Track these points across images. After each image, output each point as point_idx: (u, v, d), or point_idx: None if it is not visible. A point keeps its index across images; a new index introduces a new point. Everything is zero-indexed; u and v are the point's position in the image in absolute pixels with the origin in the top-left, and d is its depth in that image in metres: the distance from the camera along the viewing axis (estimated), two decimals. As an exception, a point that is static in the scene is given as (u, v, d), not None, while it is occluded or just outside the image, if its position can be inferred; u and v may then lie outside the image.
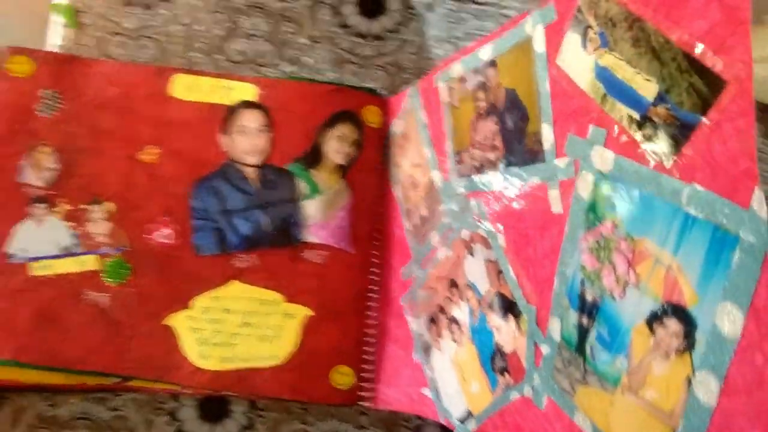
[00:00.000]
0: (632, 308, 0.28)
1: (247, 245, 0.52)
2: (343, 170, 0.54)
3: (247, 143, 0.53)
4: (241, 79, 0.54)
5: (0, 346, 0.48)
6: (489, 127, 0.40)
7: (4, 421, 0.50)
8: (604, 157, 0.30)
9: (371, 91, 0.57)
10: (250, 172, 0.53)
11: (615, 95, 0.30)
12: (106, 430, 0.51)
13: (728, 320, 0.23)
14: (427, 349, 0.48)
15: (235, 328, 0.51)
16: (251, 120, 0.53)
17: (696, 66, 0.25)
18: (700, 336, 0.25)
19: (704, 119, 0.25)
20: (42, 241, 0.50)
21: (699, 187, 0.25)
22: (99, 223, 0.51)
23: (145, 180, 0.52)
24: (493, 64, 0.40)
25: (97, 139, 0.52)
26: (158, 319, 0.50)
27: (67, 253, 0.50)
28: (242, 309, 0.51)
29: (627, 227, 0.29)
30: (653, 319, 0.27)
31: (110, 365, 0.49)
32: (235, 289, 0.51)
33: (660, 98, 0.27)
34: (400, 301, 0.52)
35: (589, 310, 0.31)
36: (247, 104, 0.53)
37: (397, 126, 0.55)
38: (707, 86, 0.25)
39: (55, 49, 0.56)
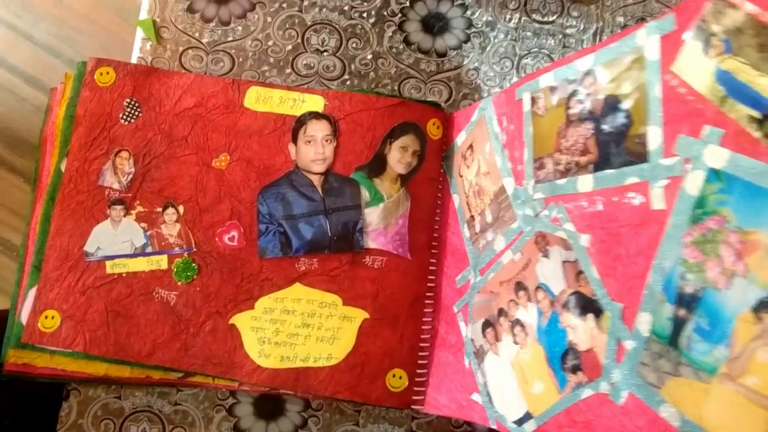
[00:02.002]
0: (738, 298, 0.30)
1: (310, 249, 0.53)
2: (403, 179, 0.55)
3: (314, 152, 0.54)
4: (310, 91, 0.56)
5: (73, 339, 0.51)
6: (581, 132, 0.42)
7: (72, 411, 0.53)
8: (717, 155, 0.32)
9: (435, 105, 0.58)
10: (315, 180, 0.54)
11: (735, 97, 0.32)
12: (167, 424, 0.53)
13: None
14: (479, 354, 0.49)
15: (295, 329, 0.52)
16: (318, 130, 0.55)
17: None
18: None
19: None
20: (117, 240, 0.53)
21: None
22: (170, 225, 0.53)
23: (215, 185, 0.54)
24: (591, 73, 0.42)
25: (172, 146, 0.54)
26: (223, 317, 0.52)
27: (140, 253, 0.53)
28: (302, 310, 0.52)
29: (738, 220, 0.31)
30: (761, 307, 0.29)
31: (176, 360, 0.51)
32: (297, 291, 0.53)
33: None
34: (453, 308, 0.53)
35: (687, 302, 0.33)
36: (315, 115, 0.55)
37: (461, 138, 0.56)
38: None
39: (135, 61, 0.59)
